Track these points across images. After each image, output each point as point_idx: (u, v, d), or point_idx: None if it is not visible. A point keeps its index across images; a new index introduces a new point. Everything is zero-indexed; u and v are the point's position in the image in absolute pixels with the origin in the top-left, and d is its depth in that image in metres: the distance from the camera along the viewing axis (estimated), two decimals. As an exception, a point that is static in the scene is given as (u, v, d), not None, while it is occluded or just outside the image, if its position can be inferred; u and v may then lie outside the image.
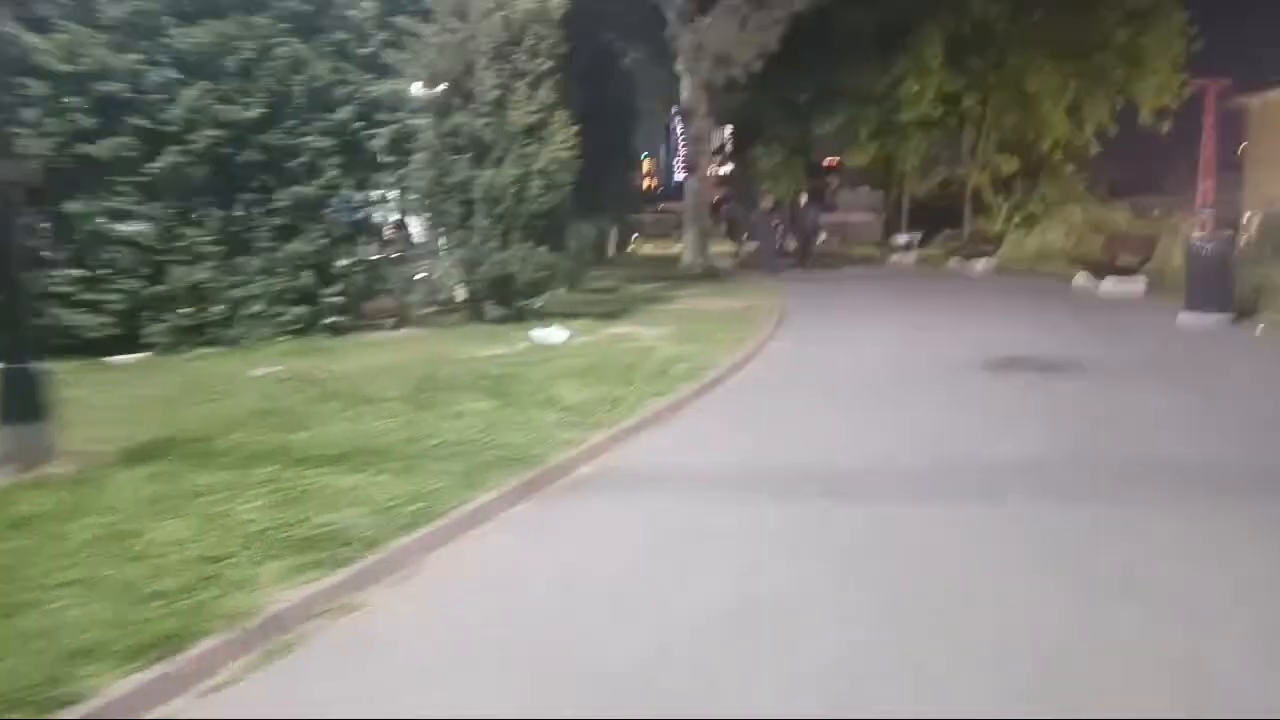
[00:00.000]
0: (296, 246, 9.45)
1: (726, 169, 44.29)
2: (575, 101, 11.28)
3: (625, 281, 17.21)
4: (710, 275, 17.87)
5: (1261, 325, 9.19)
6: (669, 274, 18.37)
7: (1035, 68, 20.54)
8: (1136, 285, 12.96)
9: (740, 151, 38.66)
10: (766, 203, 20.86)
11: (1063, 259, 18.22)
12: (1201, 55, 20.37)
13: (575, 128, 10.35)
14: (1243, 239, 16.09)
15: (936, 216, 27.84)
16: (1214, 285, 9.67)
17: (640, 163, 47.60)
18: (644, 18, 17.29)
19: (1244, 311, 9.71)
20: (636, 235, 38.85)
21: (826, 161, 40.35)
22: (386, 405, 6.26)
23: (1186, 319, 9.79)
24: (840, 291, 15.61)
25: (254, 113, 9.00)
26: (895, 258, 22.74)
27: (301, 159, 9.40)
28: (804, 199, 23.43)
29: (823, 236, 28.70)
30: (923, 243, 27.69)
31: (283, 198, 9.36)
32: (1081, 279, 14.12)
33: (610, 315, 11.58)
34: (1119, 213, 25.23)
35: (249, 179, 9.26)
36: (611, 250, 25.10)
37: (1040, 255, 19.77)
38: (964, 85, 21.12)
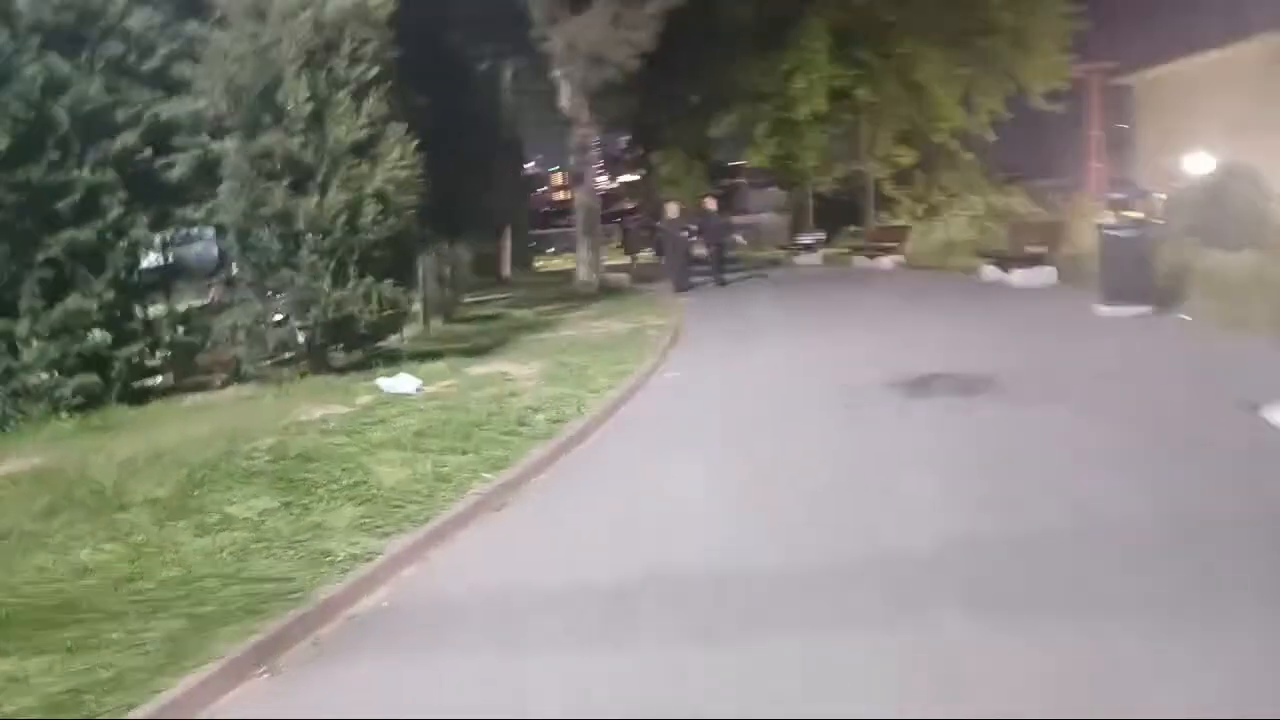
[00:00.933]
0: (76, 302, 7.80)
1: (631, 178, 43.47)
2: (423, 113, 9.89)
3: (514, 305, 15.87)
4: (606, 293, 16.64)
5: (1186, 315, 8.40)
6: (563, 294, 17.09)
7: (924, 56, 20.01)
8: (1047, 274, 12.24)
9: (642, 159, 37.81)
10: (672, 210, 18.04)
11: (969, 250, 17.62)
12: (1090, 33, 20.21)
13: (417, 142, 8.94)
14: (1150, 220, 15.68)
15: (841, 212, 27.35)
16: (1131, 275, 8.87)
17: (540, 176, 46.05)
18: (512, 18, 15.93)
19: (1162, 300, 8.93)
20: (548, 251, 37.16)
21: (733, 163, 39.95)
22: (131, 515, 4.77)
23: (1106, 312, 8.97)
24: (742, 301, 14.52)
25: (-2, 144, 7.34)
26: (801, 259, 21.93)
27: (73, 197, 7.75)
28: (711, 204, 21.00)
29: (739, 241, 27.42)
30: (828, 241, 27.15)
31: (52, 245, 7.71)
32: (991, 271, 13.38)
33: (482, 351, 10.20)
34: (1019, 198, 25.16)
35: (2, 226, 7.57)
36: (507, 270, 23.69)
37: (947, 247, 19.20)
38: (854, 78, 20.43)
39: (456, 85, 10.97)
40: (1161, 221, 9.08)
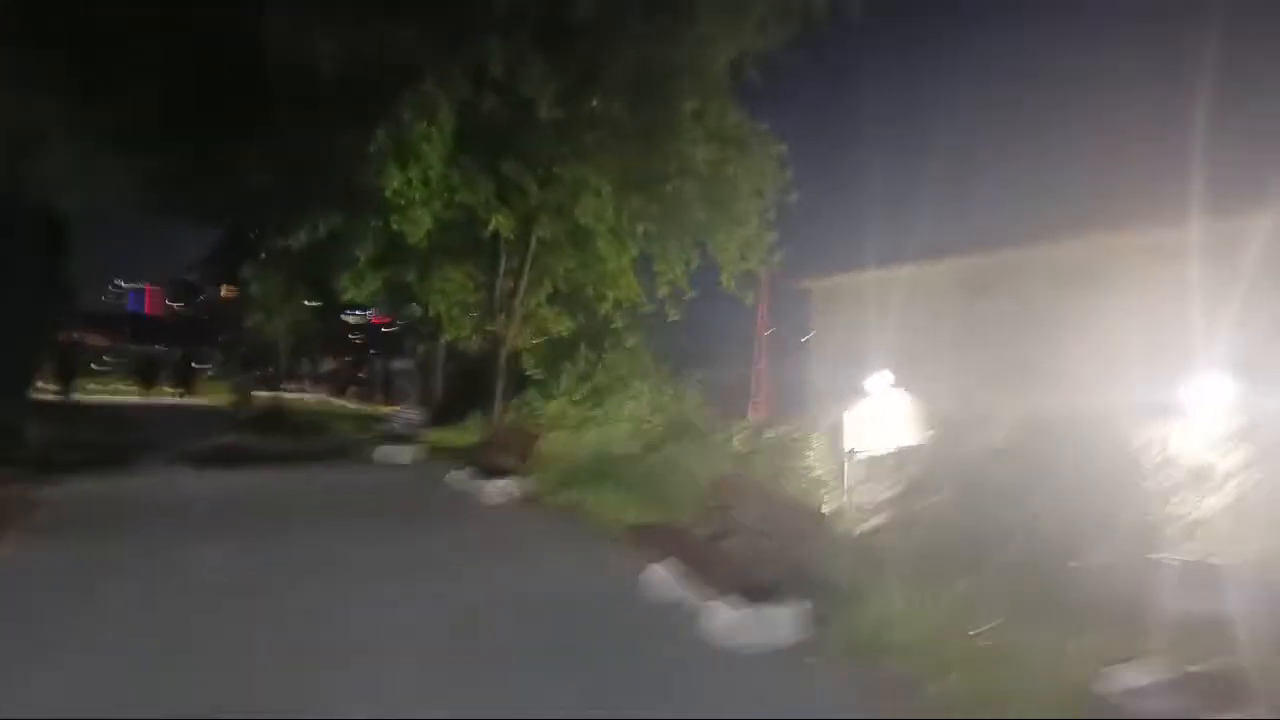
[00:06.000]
0: None
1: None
2: None
3: None
4: None
5: None
6: None
7: (591, 190, 13.81)
8: (785, 624, 5.47)
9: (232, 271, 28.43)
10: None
11: (630, 479, 10.96)
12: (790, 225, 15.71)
13: None
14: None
15: (485, 384, 20.13)
16: None
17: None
18: None
19: None
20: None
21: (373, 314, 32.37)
22: None
23: None
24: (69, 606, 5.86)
25: None
26: (383, 452, 13.97)
27: None
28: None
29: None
30: (454, 420, 19.70)
31: None
32: (662, 576, 6.38)
33: None
34: (692, 399, 19.91)
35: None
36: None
37: (598, 471, 12.45)
38: (488, 197, 13.60)
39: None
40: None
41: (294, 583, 6.32)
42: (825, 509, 8.48)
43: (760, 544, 6.34)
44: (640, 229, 15.52)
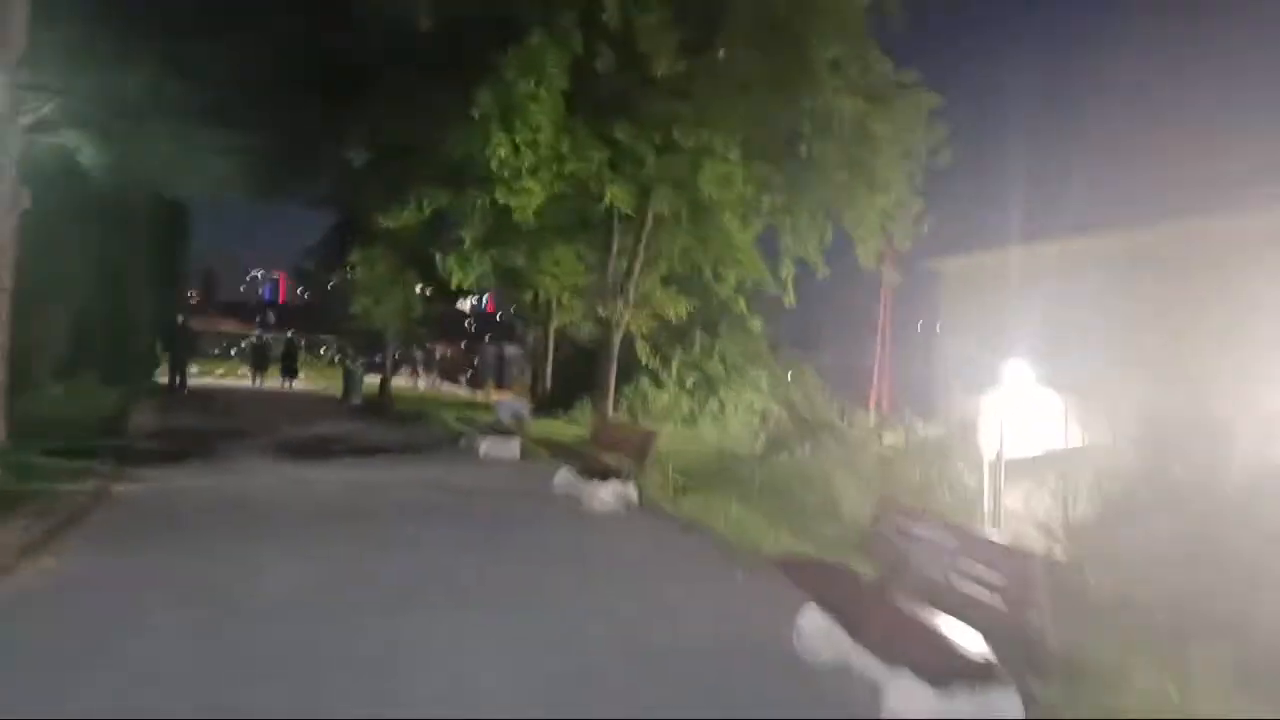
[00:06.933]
0: None
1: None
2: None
3: None
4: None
5: None
6: None
7: (716, 156, 12.34)
8: (999, 704, 3.96)
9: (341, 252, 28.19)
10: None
11: (767, 503, 9.47)
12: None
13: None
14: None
15: (596, 371, 19.14)
16: None
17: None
18: None
19: None
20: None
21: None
22: None
23: None
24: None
25: None
26: (488, 446, 13.00)
27: None
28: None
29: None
30: (556, 410, 18.69)
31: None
32: (820, 629, 4.94)
33: None
34: (812, 385, 18.20)
35: None
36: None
37: (723, 465, 11.05)
38: (601, 165, 12.34)
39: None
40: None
41: (379, 615, 5.22)
42: (1016, 540, 6.78)
43: (942, 588, 4.82)
44: (766, 200, 13.95)
